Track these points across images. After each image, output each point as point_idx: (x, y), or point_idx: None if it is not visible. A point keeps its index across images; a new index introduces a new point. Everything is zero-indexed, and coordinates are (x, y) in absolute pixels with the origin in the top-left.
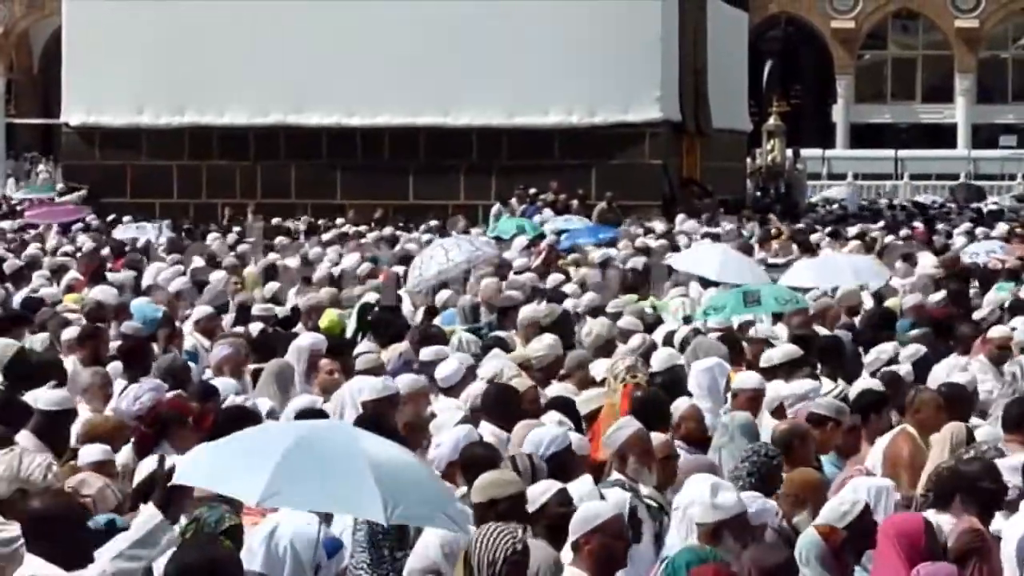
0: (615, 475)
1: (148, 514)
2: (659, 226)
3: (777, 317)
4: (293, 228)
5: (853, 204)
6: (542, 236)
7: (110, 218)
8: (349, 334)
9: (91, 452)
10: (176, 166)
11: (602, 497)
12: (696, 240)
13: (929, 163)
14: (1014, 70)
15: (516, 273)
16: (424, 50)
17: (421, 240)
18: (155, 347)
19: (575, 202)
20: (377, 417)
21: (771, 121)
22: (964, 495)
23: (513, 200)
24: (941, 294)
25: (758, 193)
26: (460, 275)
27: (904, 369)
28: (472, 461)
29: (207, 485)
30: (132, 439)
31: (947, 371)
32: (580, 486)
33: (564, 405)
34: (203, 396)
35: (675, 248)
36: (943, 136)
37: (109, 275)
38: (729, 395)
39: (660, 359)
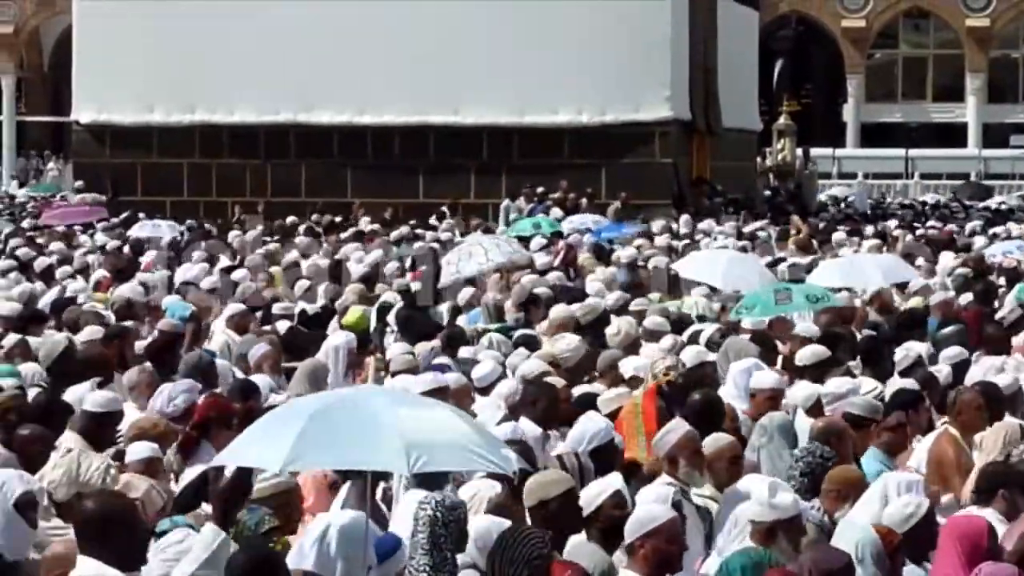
0: (666, 478)
1: (211, 533)
2: (683, 228)
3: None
4: (315, 224)
5: (862, 203)
6: (559, 234)
7: (123, 216)
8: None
9: (139, 449)
10: (186, 164)
11: (675, 504)
12: (715, 241)
13: (940, 162)
14: None
15: (540, 273)
16: (435, 49)
17: (441, 238)
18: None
19: (584, 201)
20: None
21: (781, 120)
22: (1010, 491)
23: (521, 199)
24: (970, 295)
25: (768, 192)
26: (490, 273)
27: (944, 371)
28: None
29: (230, 461)
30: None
31: (984, 371)
32: (656, 490)
33: (592, 404)
34: (244, 395)
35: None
36: (954, 135)
37: (142, 275)
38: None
39: (689, 356)
